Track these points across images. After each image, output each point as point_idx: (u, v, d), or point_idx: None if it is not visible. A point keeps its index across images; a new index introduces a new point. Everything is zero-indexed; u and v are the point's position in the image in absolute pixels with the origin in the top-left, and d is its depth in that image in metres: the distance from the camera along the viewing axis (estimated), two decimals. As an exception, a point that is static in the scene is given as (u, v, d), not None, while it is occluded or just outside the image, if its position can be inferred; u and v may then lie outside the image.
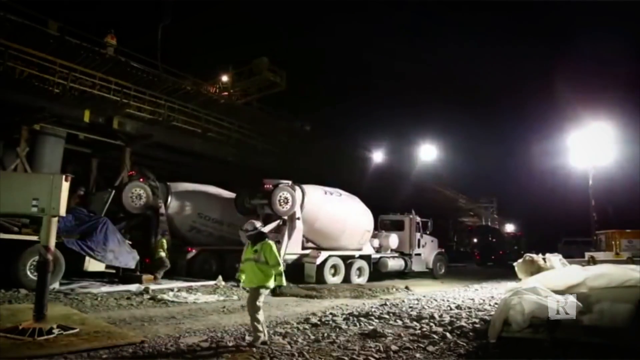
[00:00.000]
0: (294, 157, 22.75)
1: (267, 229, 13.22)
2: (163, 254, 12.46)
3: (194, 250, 13.97)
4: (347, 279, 14.22)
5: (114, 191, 13.41)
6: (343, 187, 15.95)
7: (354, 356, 5.08)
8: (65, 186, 6.02)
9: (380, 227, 17.65)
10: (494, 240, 34.83)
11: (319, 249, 14.12)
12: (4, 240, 9.54)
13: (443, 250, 19.60)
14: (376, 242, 16.41)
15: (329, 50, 69.94)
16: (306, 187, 14.00)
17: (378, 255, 16.12)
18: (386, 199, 22.66)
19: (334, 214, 14.49)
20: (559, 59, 69.06)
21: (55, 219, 6.00)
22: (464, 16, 70.10)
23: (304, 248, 13.92)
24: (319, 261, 13.51)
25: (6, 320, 6.09)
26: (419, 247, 17.73)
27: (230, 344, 5.60)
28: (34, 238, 9.41)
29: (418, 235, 17.76)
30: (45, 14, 15.32)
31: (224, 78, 27.49)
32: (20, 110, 13.90)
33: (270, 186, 13.39)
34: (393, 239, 16.74)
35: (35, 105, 13.92)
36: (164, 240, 12.75)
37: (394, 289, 12.60)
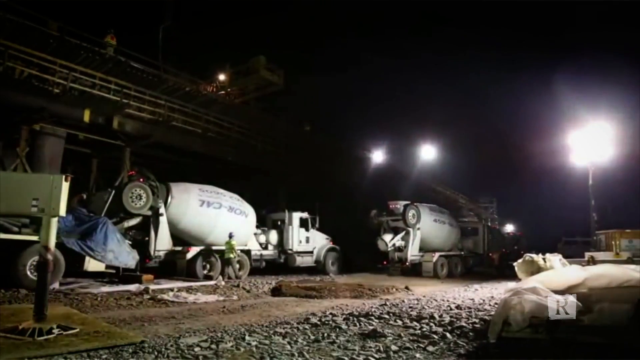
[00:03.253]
0: (294, 156, 22.74)
1: (397, 238, 18.72)
2: (232, 255, 13.25)
3: (194, 250, 13.97)
4: (450, 273, 18.89)
5: (114, 191, 13.41)
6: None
7: (354, 356, 5.07)
8: (65, 186, 6.00)
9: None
10: (494, 240, 34.68)
11: (429, 250, 18.77)
12: (4, 240, 9.55)
13: (504, 250, 23.70)
14: (460, 245, 21.26)
15: (329, 49, 69.83)
16: (419, 205, 19.06)
17: (463, 254, 21.04)
18: (386, 199, 22.66)
19: (436, 224, 19.86)
20: (559, 58, 69.01)
21: (55, 219, 5.99)
22: (463, 15, 70.17)
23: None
24: (434, 259, 18.24)
25: (6, 320, 6.07)
26: (487, 248, 22.16)
27: (230, 344, 5.60)
28: (34, 238, 9.42)
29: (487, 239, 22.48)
30: (45, 14, 15.34)
31: (221, 77, 27.45)
32: (20, 110, 13.89)
33: (397, 206, 18.70)
34: (471, 242, 21.82)
35: (35, 105, 13.90)
36: (234, 243, 13.31)
37: (394, 289, 12.60)
